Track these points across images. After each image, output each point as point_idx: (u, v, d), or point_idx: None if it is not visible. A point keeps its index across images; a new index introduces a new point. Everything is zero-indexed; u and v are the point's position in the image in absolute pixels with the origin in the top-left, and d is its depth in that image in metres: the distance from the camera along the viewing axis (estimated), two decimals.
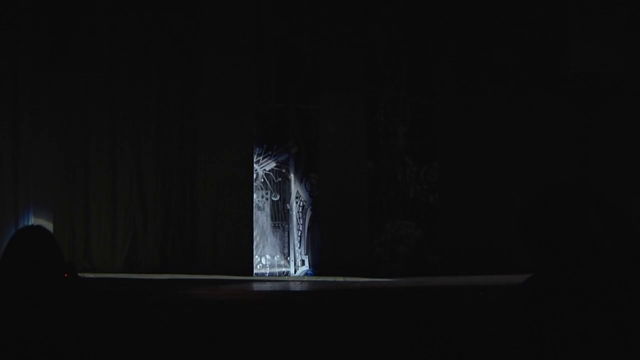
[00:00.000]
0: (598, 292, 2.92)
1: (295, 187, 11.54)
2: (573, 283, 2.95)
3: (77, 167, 12.03)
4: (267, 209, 11.51)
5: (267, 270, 11.38)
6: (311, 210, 11.53)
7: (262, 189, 11.53)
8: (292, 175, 11.56)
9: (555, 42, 11.62)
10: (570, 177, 11.30)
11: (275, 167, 11.56)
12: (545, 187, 3.10)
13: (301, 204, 11.53)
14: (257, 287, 10.50)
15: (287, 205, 11.52)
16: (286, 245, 11.46)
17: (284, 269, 11.41)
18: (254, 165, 11.53)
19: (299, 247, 11.44)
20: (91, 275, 10.79)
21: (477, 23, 11.67)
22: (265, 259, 11.42)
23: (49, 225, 11.03)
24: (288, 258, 11.43)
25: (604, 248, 2.96)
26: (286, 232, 11.48)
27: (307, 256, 11.45)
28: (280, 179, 11.56)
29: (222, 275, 11.05)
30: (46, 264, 3.70)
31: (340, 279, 10.72)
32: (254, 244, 11.43)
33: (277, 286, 10.56)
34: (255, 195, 11.51)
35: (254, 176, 11.53)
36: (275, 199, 11.52)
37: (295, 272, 11.40)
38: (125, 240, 11.97)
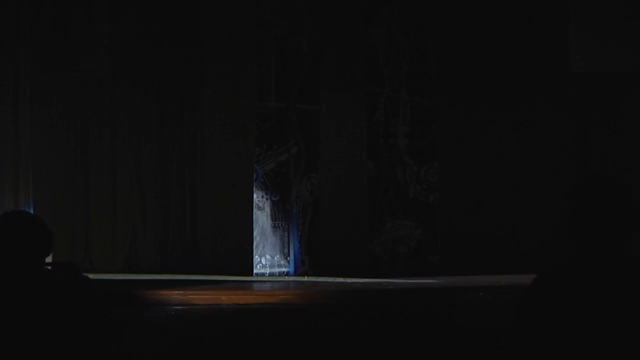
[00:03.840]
0: (616, 295, 2.90)
1: (295, 187, 11.53)
2: (591, 281, 2.93)
3: (77, 167, 12.04)
4: (267, 209, 11.50)
5: (267, 270, 11.37)
6: (311, 210, 11.53)
7: (262, 189, 11.52)
8: (292, 175, 11.55)
9: (555, 42, 11.61)
10: (570, 177, 11.29)
11: (275, 167, 11.55)
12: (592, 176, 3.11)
13: (301, 204, 11.52)
14: (257, 287, 10.49)
15: (287, 205, 11.51)
16: (286, 245, 11.46)
17: (284, 269, 11.40)
18: (254, 165, 11.52)
19: (299, 247, 11.43)
20: (91, 276, 10.77)
21: (477, 23, 11.66)
22: (265, 259, 11.41)
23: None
24: (288, 258, 11.42)
25: (626, 251, 2.95)
26: (286, 232, 11.47)
27: (307, 256, 11.44)
28: (280, 179, 11.55)
29: (222, 276, 11.04)
30: (27, 250, 3.66)
31: (340, 279, 10.71)
32: (254, 244, 11.42)
33: (277, 286, 10.55)
34: (255, 195, 11.50)
35: (254, 176, 11.52)
36: (275, 199, 11.51)
37: (295, 272, 11.39)
38: (125, 240, 11.98)
